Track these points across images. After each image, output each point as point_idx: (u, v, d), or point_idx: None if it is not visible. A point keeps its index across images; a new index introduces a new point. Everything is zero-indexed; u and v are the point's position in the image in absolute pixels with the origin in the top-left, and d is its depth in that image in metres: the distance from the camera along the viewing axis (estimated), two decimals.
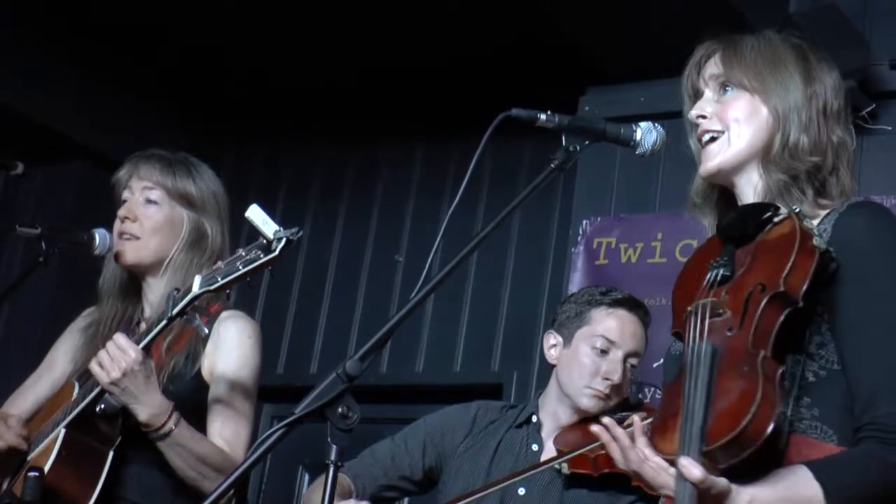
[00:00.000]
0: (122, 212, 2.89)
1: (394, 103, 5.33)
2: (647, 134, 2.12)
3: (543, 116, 2.06)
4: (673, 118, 4.02)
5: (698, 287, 1.90)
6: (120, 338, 2.59)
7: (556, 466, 2.80)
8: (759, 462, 1.75)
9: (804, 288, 1.78)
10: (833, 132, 2.02)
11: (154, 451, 2.65)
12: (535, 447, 2.95)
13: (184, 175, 2.92)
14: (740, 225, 1.94)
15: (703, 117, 2.06)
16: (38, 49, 5.12)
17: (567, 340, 2.98)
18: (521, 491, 2.88)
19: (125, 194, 2.92)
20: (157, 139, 3.57)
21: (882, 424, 1.77)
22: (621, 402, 2.94)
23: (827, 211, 1.96)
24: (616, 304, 2.98)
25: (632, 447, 1.83)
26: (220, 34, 5.06)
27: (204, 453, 2.64)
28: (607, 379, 2.89)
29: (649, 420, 1.88)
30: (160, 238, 2.86)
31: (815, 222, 1.93)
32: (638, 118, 2.26)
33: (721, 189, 2.09)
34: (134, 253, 2.86)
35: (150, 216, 2.87)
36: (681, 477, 1.67)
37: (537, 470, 2.80)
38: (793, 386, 1.81)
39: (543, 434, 2.97)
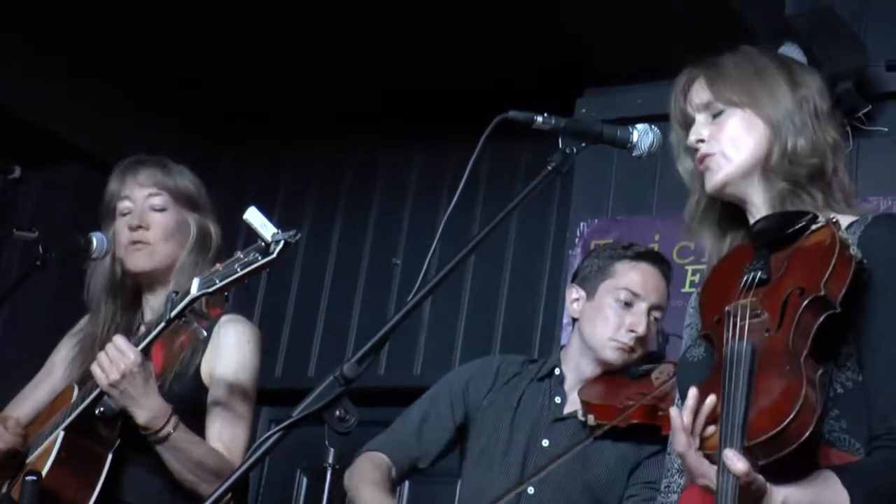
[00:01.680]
0: (132, 221, 2.86)
1: (391, 105, 5.33)
2: (643, 136, 2.12)
3: (540, 119, 2.06)
4: (669, 120, 4.05)
5: (730, 290, 1.91)
6: (119, 340, 2.59)
7: (581, 418, 2.81)
8: (791, 466, 1.75)
9: (842, 293, 1.80)
10: (828, 133, 2.03)
11: (153, 454, 2.65)
12: (557, 399, 2.95)
13: (181, 176, 2.92)
14: (777, 230, 1.95)
15: (702, 141, 2.06)
16: (36, 51, 5.12)
17: (590, 294, 2.97)
18: (545, 443, 2.89)
19: (125, 204, 2.89)
20: (156, 142, 3.58)
21: None
22: (645, 355, 2.94)
23: (851, 220, 1.97)
24: (639, 257, 2.98)
25: (682, 429, 1.79)
26: (219, 37, 5.06)
27: (202, 457, 2.64)
28: (632, 331, 2.89)
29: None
30: (172, 243, 2.86)
31: None
32: (635, 120, 2.26)
33: (722, 207, 2.09)
34: (147, 260, 2.85)
35: (160, 222, 2.86)
36: (724, 469, 1.68)
37: (587, 442, 2.76)
38: (824, 395, 1.80)
39: (566, 387, 2.96)
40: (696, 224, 2.13)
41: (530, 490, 2.83)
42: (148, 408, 2.58)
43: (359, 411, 1.74)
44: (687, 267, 4.31)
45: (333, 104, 5.41)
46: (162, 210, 2.87)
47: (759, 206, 2.03)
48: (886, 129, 4.16)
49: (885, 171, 4.09)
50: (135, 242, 2.85)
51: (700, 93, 2.08)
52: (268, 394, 4.92)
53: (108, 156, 3.10)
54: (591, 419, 2.78)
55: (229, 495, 1.73)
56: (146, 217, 2.86)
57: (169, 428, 2.59)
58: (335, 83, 5.28)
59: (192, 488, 2.64)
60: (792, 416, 1.67)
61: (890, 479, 1.77)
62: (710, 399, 1.78)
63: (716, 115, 2.06)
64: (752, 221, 2.05)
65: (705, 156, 2.05)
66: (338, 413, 1.73)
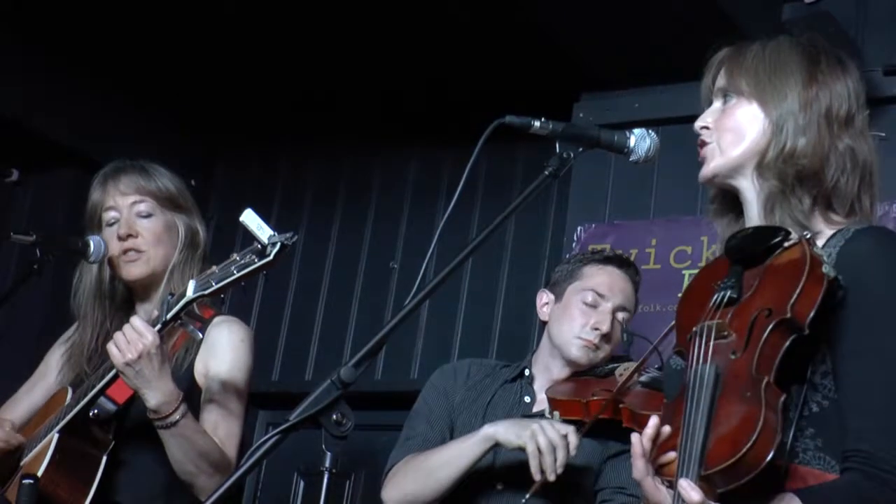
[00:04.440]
0: (121, 231, 2.85)
1: (388, 109, 5.34)
2: (640, 141, 2.11)
3: (537, 123, 2.05)
4: (667, 125, 4.07)
5: (703, 307, 1.89)
6: (137, 321, 2.57)
7: (548, 415, 2.85)
8: (756, 490, 1.74)
9: (811, 315, 1.75)
10: (839, 139, 1.96)
11: (148, 455, 2.65)
12: (527, 399, 3.01)
13: (162, 178, 2.92)
14: (749, 247, 1.91)
15: (706, 128, 2.04)
16: (33, 55, 5.12)
17: (559, 296, 3.07)
18: None
19: (111, 214, 2.88)
20: (153, 146, 3.58)
21: (868, 458, 1.75)
22: (612, 357, 3.01)
23: (834, 231, 1.91)
24: (606, 260, 3.09)
25: (642, 455, 1.80)
26: (216, 41, 5.06)
27: (205, 448, 2.63)
28: (597, 329, 2.97)
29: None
30: (163, 248, 2.86)
31: (821, 242, 1.89)
32: (632, 125, 2.26)
33: (732, 196, 2.05)
34: (143, 268, 2.85)
35: (150, 228, 2.86)
36: (679, 498, 1.67)
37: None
38: (795, 415, 1.79)
39: (536, 387, 3.03)
40: (711, 209, 2.10)
41: (499, 486, 2.86)
42: (161, 391, 2.56)
43: (356, 415, 1.73)
44: (684, 272, 4.31)
45: (330, 107, 5.42)
46: (148, 216, 2.87)
47: (750, 201, 2.00)
48: (884, 134, 4.16)
49: (882, 176, 4.09)
50: (127, 251, 2.84)
51: (720, 77, 2.06)
52: (265, 397, 4.95)
53: (104, 160, 3.09)
54: (556, 416, 2.82)
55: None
56: (134, 225, 2.85)
57: (177, 415, 2.57)
58: (332, 86, 5.29)
59: (189, 480, 2.63)
60: (749, 445, 1.65)
61: (852, 502, 1.74)
62: (666, 429, 1.78)
63: (726, 101, 2.03)
64: (746, 216, 2.02)
65: (703, 143, 2.03)
66: (335, 417, 1.72)
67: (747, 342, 1.77)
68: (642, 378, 2.79)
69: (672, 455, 1.75)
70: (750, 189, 2.00)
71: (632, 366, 2.87)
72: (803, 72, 1.99)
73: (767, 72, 2.00)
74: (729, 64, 2.05)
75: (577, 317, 2.99)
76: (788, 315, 1.75)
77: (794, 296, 1.76)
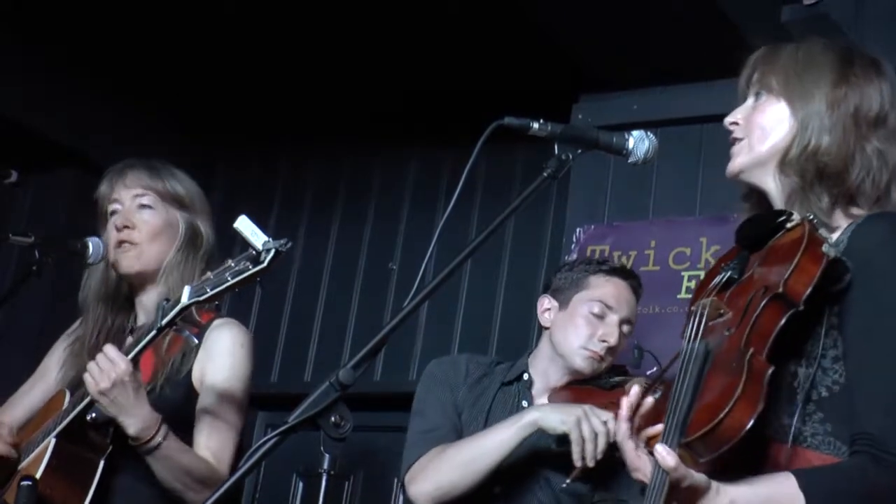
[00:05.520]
0: (118, 221, 2.85)
1: (387, 111, 5.34)
2: (639, 142, 2.12)
3: (536, 125, 2.06)
4: (666, 126, 4.07)
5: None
6: (110, 349, 2.56)
7: None
8: (752, 470, 1.76)
9: (807, 292, 1.77)
10: (866, 140, 1.96)
11: (145, 461, 2.64)
12: (524, 403, 3.00)
13: (169, 177, 2.91)
14: (754, 230, 1.94)
15: (736, 124, 2.07)
16: (34, 56, 5.12)
17: (563, 304, 3.05)
18: None
19: (114, 206, 2.89)
20: (152, 147, 3.57)
21: (876, 440, 1.75)
22: (612, 368, 3.03)
23: (851, 221, 1.92)
24: (613, 272, 3.10)
25: (624, 419, 1.86)
26: (216, 42, 5.06)
27: (190, 466, 2.62)
28: (604, 341, 2.97)
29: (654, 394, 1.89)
30: (159, 242, 2.85)
31: (836, 234, 1.90)
32: (631, 126, 2.26)
33: (763, 194, 2.06)
34: (136, 260, 2.84)
35: (147, 221, 2.85)
36: (657, 464, 1.71)
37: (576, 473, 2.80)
38: (801, 397, 1.81)
39: (534, 392, 3.02)
40: (744, 207, 2.11)
41: (496, 490, 2.85)
42: (138, 417, 2.55)
43: (354, 416, 1.73)
44: (683, 273, 4.31)
45: (329, 109, 5.42)
46: (149, 209, 2.86)
47: (775, 199, 2.02)
48: None
49: None
50: (122, 242, 2.84)
51: (754, 74, 2.09)
52: (264, 399, 4.95)
53: (104, 160, 3.10)
54: None
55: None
56: (132, 216, 2.85)
57: (159, 438, 2.56)
58: (331, 88, 5.29)
59: (178, 496, 2.63)
60: (725, 412, 1.68)
61: (857, 483, 1.74)
62: (648, 400, 1.85)
63: (758, 99, 2.06)
64: None
65: (733, 140, 2.07)
66: (333, 419, 1.72)
67: (742, 319, 1.80)
68: (657, 395, 2.79)
69: (659, 427, 1.79)
70: (772, 186, 2.02)
71: (641, 381, 2.87)
72: (834, 72, 2.01)
73: (798, 71, 2.03)
74: (763, 62, 2.08)
75: (583, 327, 2.98)
76: (781, 290, 1.77)
77: (789, 272, 1.78)
